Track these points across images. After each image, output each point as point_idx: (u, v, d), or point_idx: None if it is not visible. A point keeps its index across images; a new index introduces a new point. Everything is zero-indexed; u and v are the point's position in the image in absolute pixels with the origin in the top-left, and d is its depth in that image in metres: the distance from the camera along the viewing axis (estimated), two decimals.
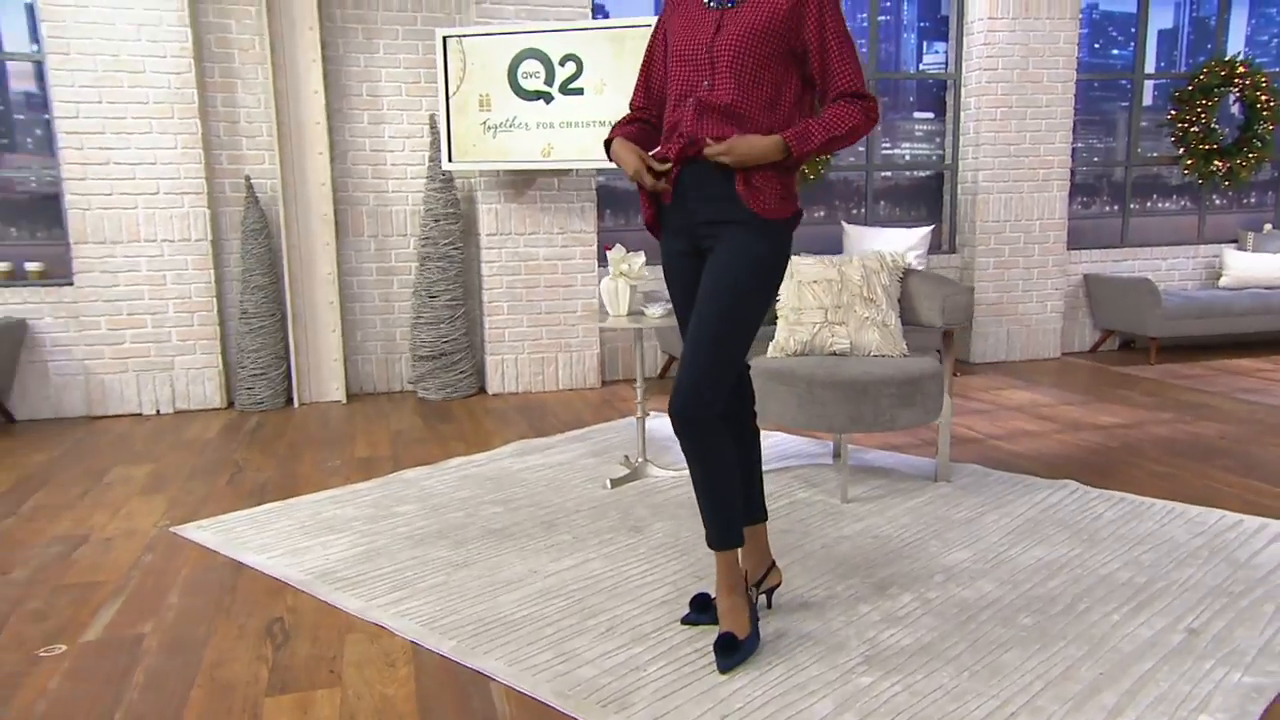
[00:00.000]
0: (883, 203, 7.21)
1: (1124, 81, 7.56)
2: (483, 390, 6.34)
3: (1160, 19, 7.53)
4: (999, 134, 6.86)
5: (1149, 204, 7.77)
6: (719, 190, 2.46)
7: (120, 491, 4.30)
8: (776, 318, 4.19)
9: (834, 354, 4.08)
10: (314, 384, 6.07)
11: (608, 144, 2.66)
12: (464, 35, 5.63)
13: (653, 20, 5.25)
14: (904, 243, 6.54)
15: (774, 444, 4.72)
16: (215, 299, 5.90)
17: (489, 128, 5.70)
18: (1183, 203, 7.82)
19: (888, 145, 7.20)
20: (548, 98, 5.62)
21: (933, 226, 7.02)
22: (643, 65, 2.74)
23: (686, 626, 2.76)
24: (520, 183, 6.04)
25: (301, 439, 5.20)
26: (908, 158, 7.22)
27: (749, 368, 2.76)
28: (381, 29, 6.02)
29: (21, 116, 5.89)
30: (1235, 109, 7.60)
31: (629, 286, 4.11)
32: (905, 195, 7.26)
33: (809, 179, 6.72)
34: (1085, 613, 2.86)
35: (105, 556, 3.51)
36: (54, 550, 3.59)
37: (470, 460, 4.66)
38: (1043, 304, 7.15)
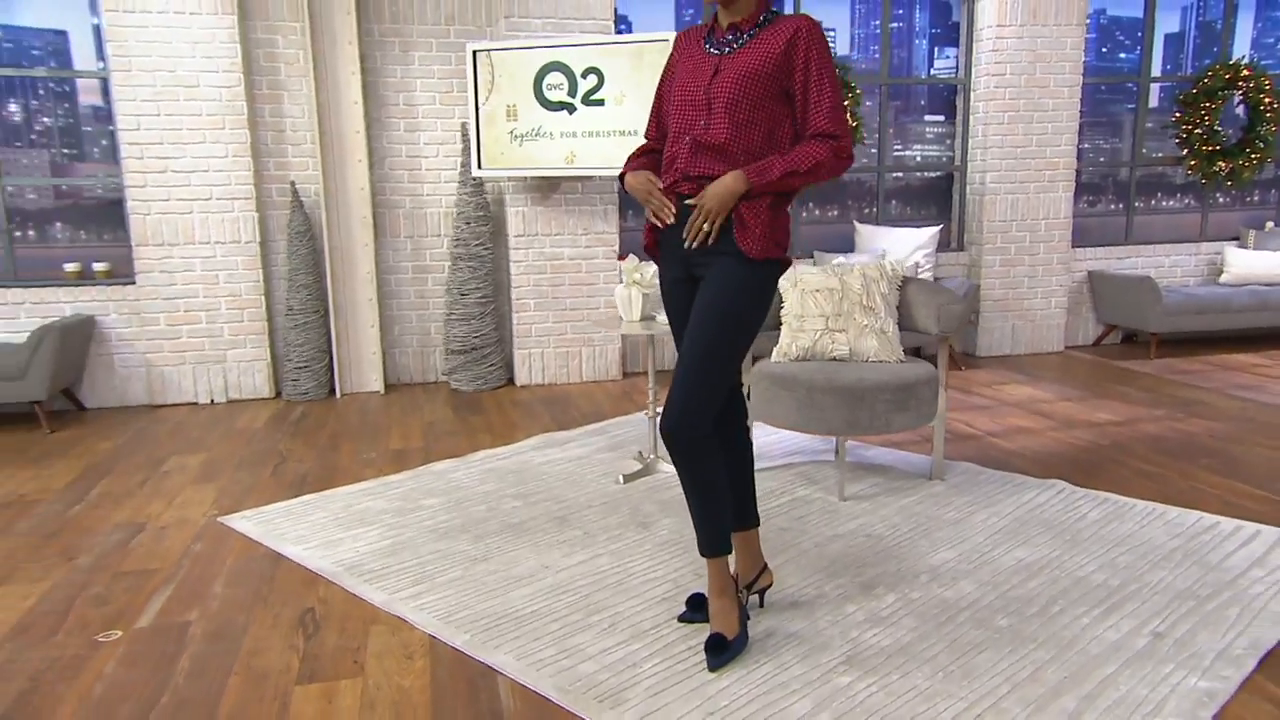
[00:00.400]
0: (894, 202, 7.19)
1: (1130, 84, 7.45)
2: (511, 382, 6.39)
3: (1167, 23, 7.42)
4: (1006, 137, 6.81)
5: (1153, 202, 7.66)
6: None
7: (176, 480, 4.41)
8: (780, 323, 4.22)
9: (834, 359, 4.07)
10: (354, 376, 6.16)
11: (621, 178, 2.70)
12: (492, 49, 5.68)
13: (670, 35, 5.30)
14: (914, 241, 6.54)
15: (779, 440, 4.74)
16: (264, 297, 6.00)
17: (516, 136, 5.76)
18: (1186, 201, 7.71)
19: (899, 147, 7.17)
20: (571, 108, 5.66)
21: (942, 225, 7.01)
22: (654, 101, 2.78)
23: (682, 624, 2.80)
24: (546, 187, 6.09)
25: (341, 430, 5.28)
26: (919, 159, 7.19)
27: (741, 384, 2.80)
28: (416, 42, 6.06)
29: (89, 128, 5.99)
30: (1240, 110, 7.48)
31: (641, 294, 4.16)
32: (916, 195, 7.22)
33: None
34: (1058, 615, 2.86)
35: (159, 545, 3.61)
36: (115, 538, 3.70)
37: (495, 453, 4.71)
38: (1047, 300, 7.11)
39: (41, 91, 5.86)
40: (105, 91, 5.86)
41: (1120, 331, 7.42)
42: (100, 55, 5.83)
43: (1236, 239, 7.58)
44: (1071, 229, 7.09)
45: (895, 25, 6.96)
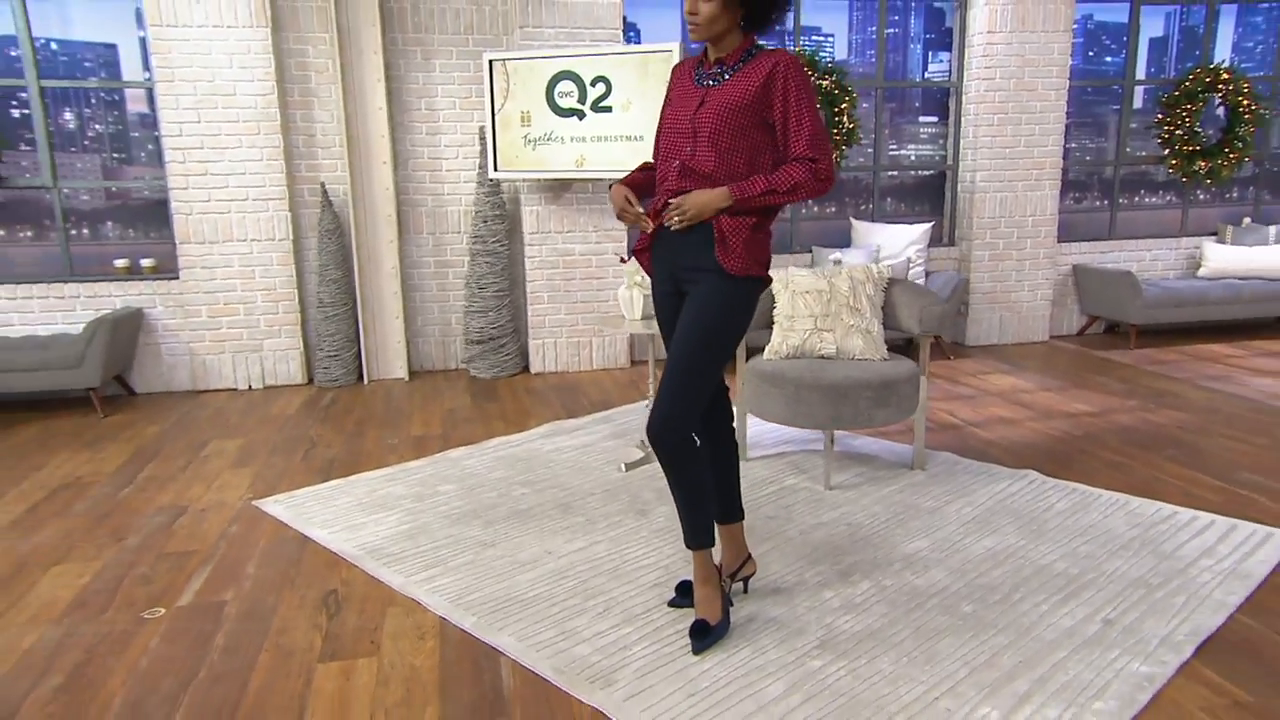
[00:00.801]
0: (889, 199, 7.18)
1: (1116, 87, 7.39)
2: (526, 369, 6.44)
3: (1151, 28, 7.32)
4: (995, 137, 6.79)
5: (1136, 199, 7.61)
6: (697, 242, 2.53)
7: (215, 465, 4.49)
8: (772, 323, 4.27)
9: (822, 357, 4.10)
10: (381, 363, 6.23)
11: (611, 185, 2.79)
12: (507, 59, 5.71)
13: (675, 46, 5.32)
14: (907, 237, 6.54)
15: (771, 430, 4.74)
16: (296, 290, 6.07)
17: (529, 141, 5.79)
18: (1168, 198, 7.66)
19: (894, 147, 7.15)
20: (580, 115, 5.68)
21: (934, 222, 7.01)
22: (657, 127, 2.78)
23: (671, 609, 2.86)
24: (558, 188, 6.12)
25: (367, 416, 5.34)
26: (913, 158, 7.17)
27: (726, 387, 2.86)
28: (437, 50, 6.09)
29: (137, 134, 6.05)
30: (1219, 112, 7.41)
31: (642, 295, 4.20)
32: (910, 193, 7.21)
33: None
34: (1019, 602, 2.89)
35: (199, 527, 3.69)
36: (159, 520, 3.78)
37: (507, 440, 4.75)
38: (1033, 292, 7.11)
39: (93, 101, 5.93)
40: (151, 100, 5.93)
41: (1103, 322, 7.40)
42: (146, 67, 5.90)
43: (1215, 234, 7.54)
44: (1057, 225, 7.07)
45: (891, 31, 6.93)
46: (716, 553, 2.83)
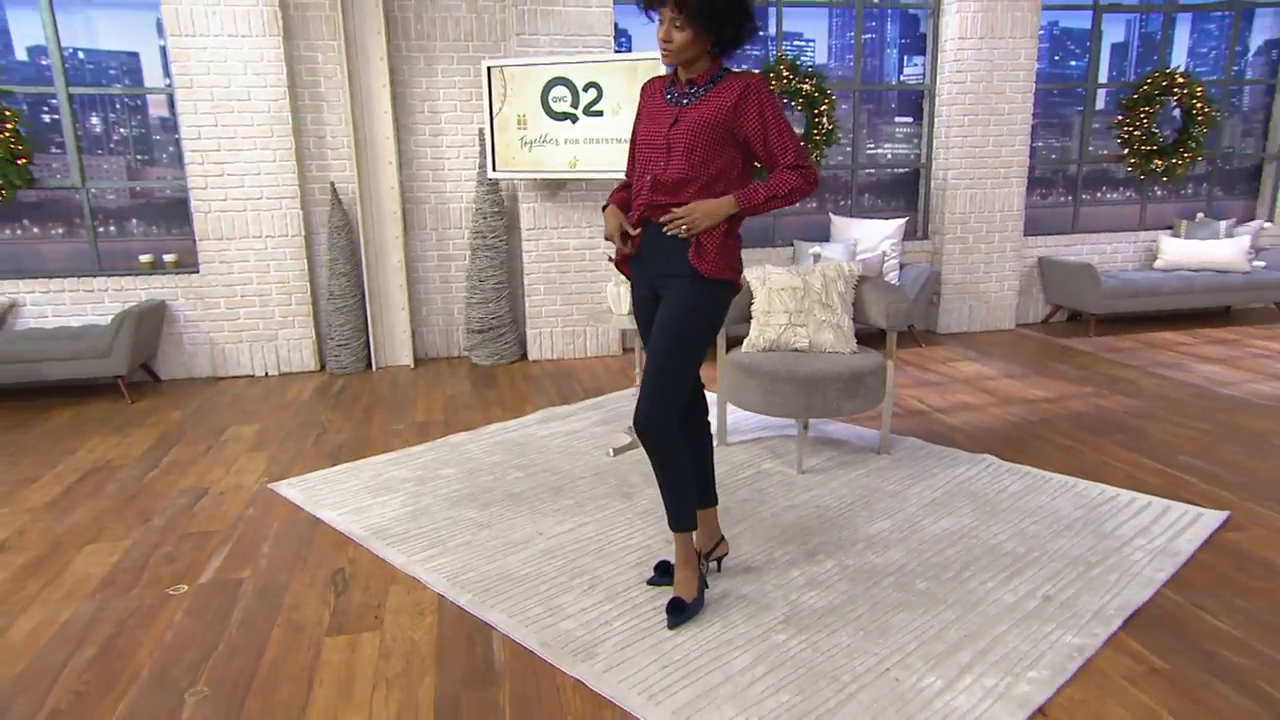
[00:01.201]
0: (866, 196, 7.20)
1: (1079, 89, 7.42)
2: (524, 357, 6.47)
3: (1113, 33, 7.34)
4: (966, 137, 6.83)
5: (1098, 195, 7.64)
6: (671, 249, 2.60)
7: (233, 449, 4.53)
8: (750, 317, 4.32)
9: (795, 350, 4.14)
10: (388, 351, 6.28)
11: (605, 208, 2.80)
12: (505, 65, 5.71)
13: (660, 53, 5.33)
14: (883, 231, 6.56)
15: (750, 416, 4.75)
16: (308, 283, 6.10)
17: (525, 143, 5.81)
18: (1127, 194, 7.68)
19: (871, 146, 7.16)
20: (573, 118, 5.71)
21: (908, 217, 7.06)
22: (630, 142, 2.81)
23: (650, 587, 2.93)
24: (553, 186, 6.15)
25: (374, 402, 5.37)
26: (889, 156, 7.18)
27: (702, 383, 2.90)
28: (439, 56, 6.10)
29: (158, 137, 6.07)
30: (1175, 114, 7.44)
31: (628, 291, 4.27)
32: (886, 189, 7.23)
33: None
34: (968, 579, 2.95)
35: (219, 509, 3.74)
36: (182, 502, 3.83)
37: (505, 426, 4.78)
38: (1001, 283, 7.16)
39: (118, 106, 5.94)
40: (171, 105, 5.94)
41: (1065, 311, 7.45)
42: (166, 74, 5.91)
43: (1170, 229, 7.58)
44: (1023, 219, 7.11)
45: (868, 36, 6.95)
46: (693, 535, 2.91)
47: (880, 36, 7.02)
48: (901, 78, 7.09)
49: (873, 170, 7.20)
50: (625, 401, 5.15)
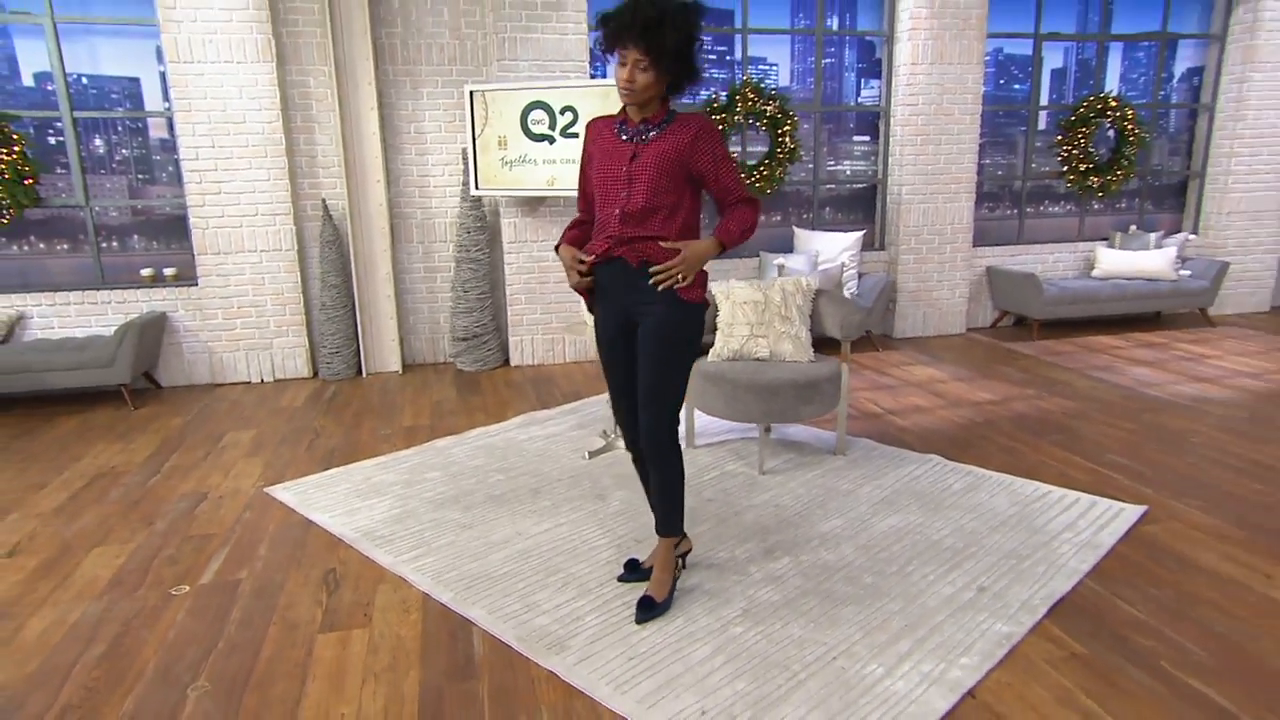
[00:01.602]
0: (827, 209, 7.28)
1: (1022, 111, 7.55)
2: (507, 363, 6.48)
3: (1052, 60, 7.48)
4: (919, 155, 6.93)
5: (1041, 209, 7.78)
6: (643, 281, 2.63)
7: (231, 455, 4.53)
8: (716, 329, 4.39)
9: (757, 360, 4.21)
10: (377, 358, 6.28)
11: (557, 248, 2.81)
12: (486, 89, 5.75)
13: None
14: (842, 243, 6.63)
15: (715, 420, 4.77)
16: (301, 295, 6.09)
17: (506, 162, 5.85)
18: (1068, 208, 7.82)
19: (832, 163, 7.25)
20: (551, 140, 5.75)
21: (866, 229, 7.18)
22: (580, 181, 2.84)
23: (620, 584, 2.97)
24: (533, 203, 6.19)
25: (364, 408, 5.37)
26: (848, 172, 7.27)
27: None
28: (424, 80, 6.13)
29: (158, 158, 6.05)
30: (1110, 134, 7.58)
31: None
32: (845, 203, 7.31)
33: (766, 193, 6.84)
34: (911, 573, 3.01)
35: (217, 513, 3.75)
36: (183, 505, 3.83)
37: (487, 430, 4.79)
38: (952, 291, 7.26)
39: (120, 129, 5.92)
40: (170, 127, 5.94)
41: (1012, 316, 7.57)
42: (166, 98, 5.91)
43: (1106, 240, 7.69)
44: (972, 231, 7.21)
45: (828, 61, 7.03)
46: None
47: (839, 61, 7.11)
48: (859, 100, 7.19)
49: (833, 186, 7.28)
50: (601, 406, 5.20)
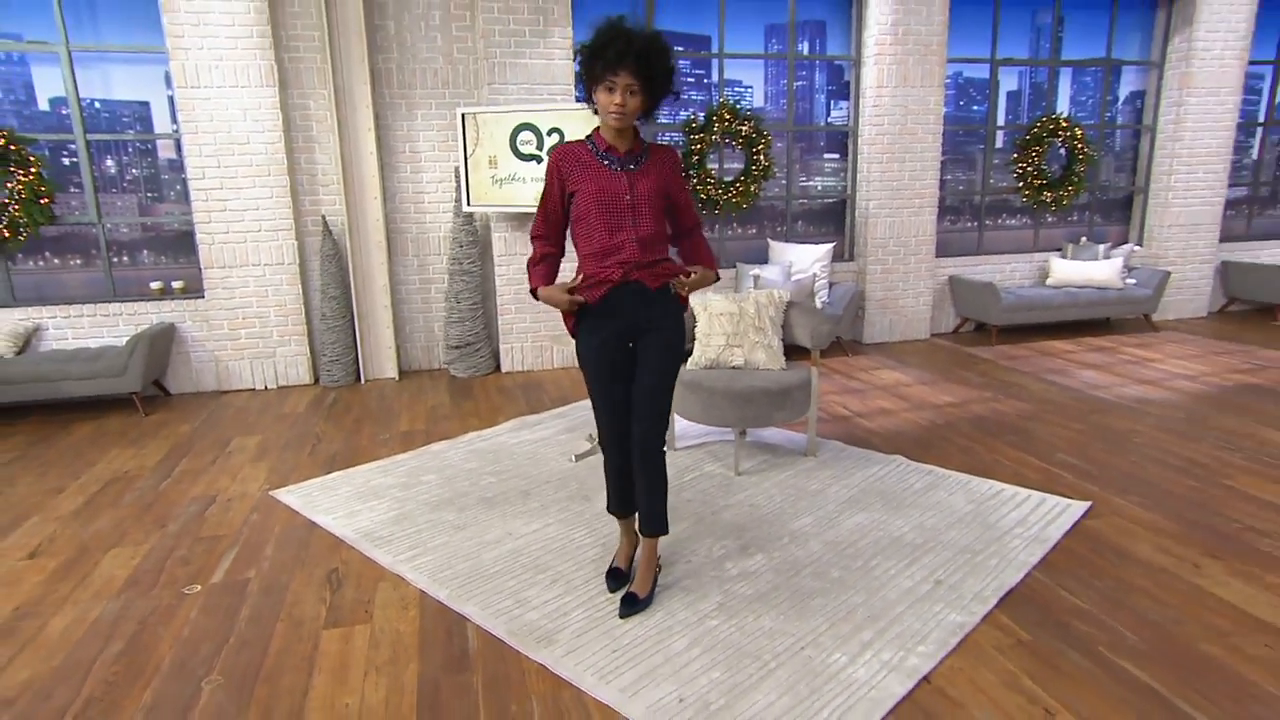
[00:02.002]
0: (800, 222, 7.35)
1: (981, 130, 7.66)
2: (498, 369, 6.49)
3: (1007, 83, 7.61)
4: (885, 172, 7.02)
5: (998, 222, 7.89)
6: (652, 300, 2.71)
7: (238, 459, 4.53)
8: (694, 339, 4.43)
9: (733, 368, 4.25)
10: (375, 365, 6.30)
11: (534, 293, 2.75)
12: (477, 112, 5.80)
13: None
14: (814, 255, 6.69)
15: (694, 425, 4.74)
16: (303, 306, 6.10)
17: (496, 180, 5.90)
18: (1024, 221, 7.94)
19: (804, 179, 7.32)
20: (538, 159, 5.80)
21: (836, 241, 7.27)
22: (543, 199, 2.73)
23: (605, 580, 2.98)
24: (522, 218, 6.21)
25: (363, 414, 5.37)
26: (819, 188, 7.35)
27: None
28: (419, 103, 6.16)
29: (166, 177, 6.05)
30: (1061, 152, 7.71)
31: None
32: (817, 217, 7.39)
33: (742, 207, 6.91)
34: (875, 567, 3.06)
35: (226, 515, 3.76)
36: (193, 509, 3.84)
37: (480, 435, 4.80)
38: (917, 299, 7.35)
39: (130, 150, 5.92)
40: (178, 148, 5.95)
41: (972, 323, 7.67)
42: (174, 120, 5.92)
43: (1059, 251, 7.83)
44: (935, 243, 7.32)
45: (800, 84, 7.11)
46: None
47: (810, 84, 7.19)
48: (829, 120, 7.27)
49: (805, 200, 7.35)
50: (586, 410, 5.21)
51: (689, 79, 6.87)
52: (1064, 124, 7.50)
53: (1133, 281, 7.46)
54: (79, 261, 5.96)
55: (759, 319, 4.33)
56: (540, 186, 5.76)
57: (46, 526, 3.72)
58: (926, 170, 7.08)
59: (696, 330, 4.39)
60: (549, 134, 5.74)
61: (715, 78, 6.84)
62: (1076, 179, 7.61)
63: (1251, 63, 7.94)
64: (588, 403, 5.38)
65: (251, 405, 5.70)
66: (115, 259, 6.01)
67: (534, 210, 5.84)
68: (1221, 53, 7.55)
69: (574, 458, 4.34)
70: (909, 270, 7.26)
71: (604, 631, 2.70)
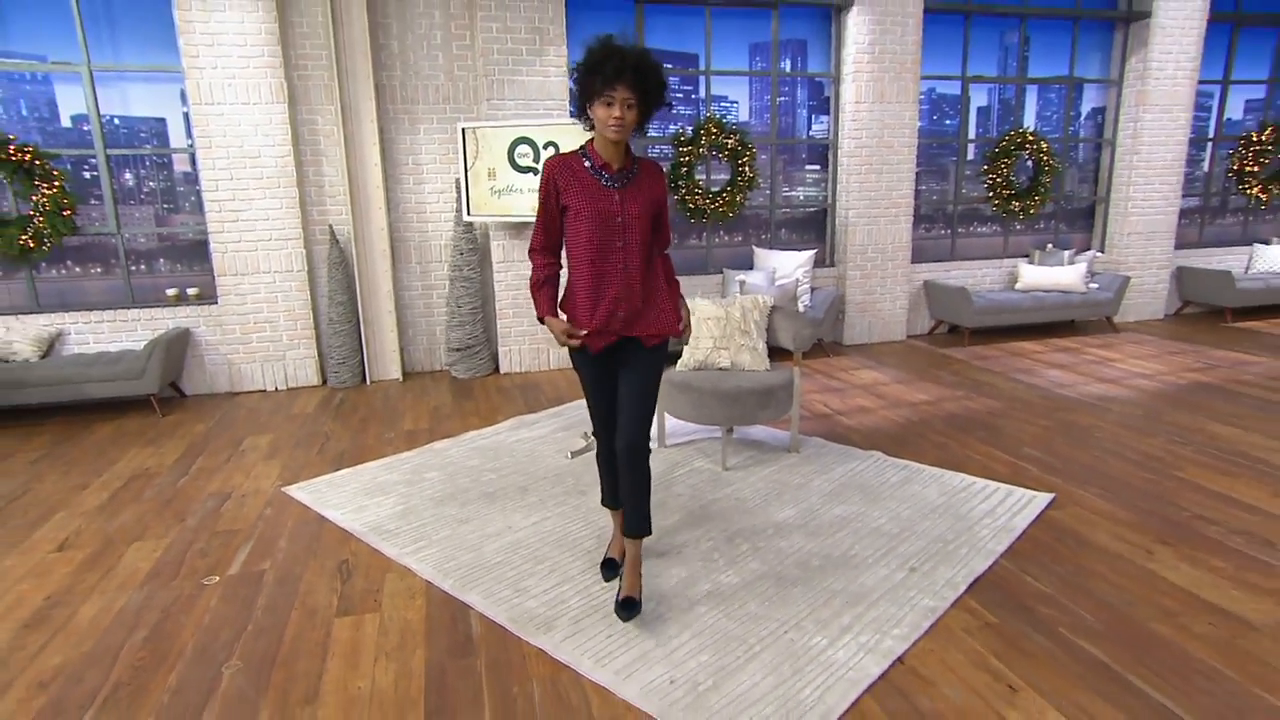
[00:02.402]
0: (783, 230, 7.38)
1: (953, 144, 7.71)
2: (497, 370, 6.50)
3: (978, 99, 7.70)
4: (863, 183, 7.06)
5: (970, 229, 7.96)
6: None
7: (251, 458, 4.54)
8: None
9: (720, 369, 4.29)
10: (380, 367, 6.30)
11: (541, 319, 2.69)
12: (476, 127, 5.83)
13: None
14: (796, 261, 6.73)
15: (684, 423, 4.68)
16: (311, 311, 6.11)
17: (495, 191, 5.92)
18: (994, 228, 8.00)
19: (787, 189, 7.36)
20: (535, 171, 5.81)
21: (817, 248, 7.31)
22: (540, 211, 2.65)
23: (600, 570, 3.03)
24: (519, 227, 6.25)
25: (369, 414, 5.37)
26: (801, 198, 7.38)
27: None
28: (421, 118, 6.18)
29: (182, 189, 6.06)
30: (1029, 164, 7.78)
31: None
32: (799, 225, 7.43)
33: (728, 216, 6.95)
34: (853, 557, 3.11)
35: (241, 510, 3.78)
36: (210, 504, 3.86)
37: (480, 433, 4.80)
38: (893, 303, 7.39)
39: (148, 164, 5.92)
40: (193, 162, 5.95)
41: (946, 325, 7.70)
42: (189, 136, 5.93)
43: (1027, 257, 7.88)
44: (910, 250, 7.35)
45: (782, 99, 7.15)
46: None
47: (792, 99, 7.24)
48: (810, 133, 7.32)
49: (788, 209, 7.38)
50: (581, 409, 5.23)
51: (678, 95, 6.92)
52: (1030, 138, 7.56)
53: (1095, 286, 7.53)
54: (99, 270, 5.96)
55: (744, 323, 4.38)
56: (535, 198, 5.77)
57: (73, 521, 3.74)
58: (902, 181, 7.14)
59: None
60: (545, 147, 5.77)
61: (703, 93, 6.88)
62: (1043, 189, 7.68)
63: (1201, 82, 8.06)
64: (582, 402, 5.41)
65: (263, 406, 5.70)
66: (133, 267, 6.02)
67: (531, 219, 5.96)
68: (1174, 73, 7.65)
69: (570, 455, 4.37)
70: (886, 275, 7.31)
71: (600, 618, 2.74)
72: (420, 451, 4.54)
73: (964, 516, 3.48)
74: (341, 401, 5.76)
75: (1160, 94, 7.69)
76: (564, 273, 2.74)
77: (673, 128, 6.84)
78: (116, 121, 5.85)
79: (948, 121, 7.65)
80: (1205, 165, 8.64)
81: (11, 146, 5.43)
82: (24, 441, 4.98)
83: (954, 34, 7.33)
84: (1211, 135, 8.57)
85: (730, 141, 6.75)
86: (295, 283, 6.02)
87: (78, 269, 5.95)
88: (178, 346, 5.73)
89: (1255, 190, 8.47)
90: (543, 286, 2.69)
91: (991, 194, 7.70)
